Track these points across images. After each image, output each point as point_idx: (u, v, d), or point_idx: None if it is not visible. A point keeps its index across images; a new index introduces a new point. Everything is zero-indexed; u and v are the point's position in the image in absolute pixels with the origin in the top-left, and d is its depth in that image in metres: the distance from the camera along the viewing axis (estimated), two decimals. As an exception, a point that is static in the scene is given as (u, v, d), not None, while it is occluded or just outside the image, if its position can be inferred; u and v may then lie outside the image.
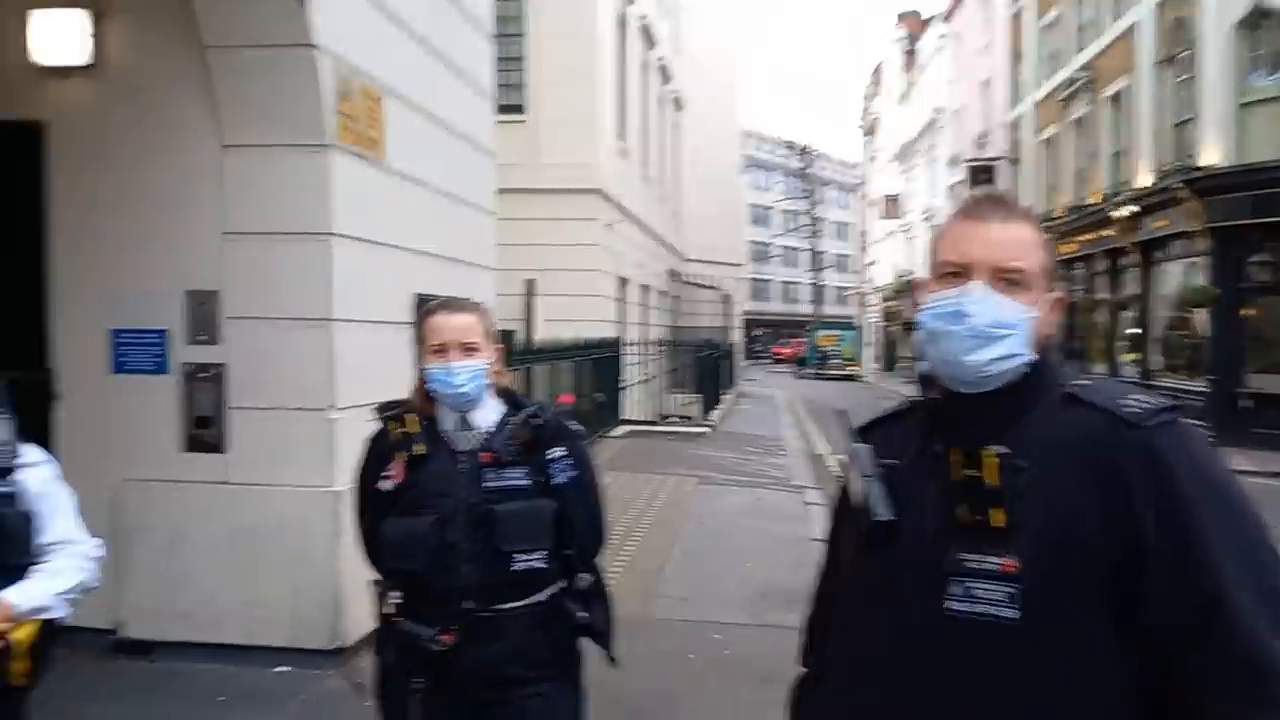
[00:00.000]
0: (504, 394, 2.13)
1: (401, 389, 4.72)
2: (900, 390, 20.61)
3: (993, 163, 24.13)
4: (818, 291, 53.17)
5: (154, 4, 3.92)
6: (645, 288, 18.13)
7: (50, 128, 4.02)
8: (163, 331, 4.03)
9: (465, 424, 2.03)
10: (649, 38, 16.79)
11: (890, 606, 1.15)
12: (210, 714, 3.58)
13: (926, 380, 1.22)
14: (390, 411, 2.07)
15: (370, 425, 2.14)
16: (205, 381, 4.05)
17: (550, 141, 12.64)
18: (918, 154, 35.91)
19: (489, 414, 2.05)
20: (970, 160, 25.31)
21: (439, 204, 5.24)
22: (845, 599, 1.28)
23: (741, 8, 30.31)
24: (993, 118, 25.12)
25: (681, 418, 15.31)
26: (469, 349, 1.98)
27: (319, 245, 4.01)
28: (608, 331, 13.49)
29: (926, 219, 32.21)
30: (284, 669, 3.91)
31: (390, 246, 4.57)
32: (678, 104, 21.55)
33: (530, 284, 12.53)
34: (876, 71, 47.23)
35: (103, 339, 4.04)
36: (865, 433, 1.30)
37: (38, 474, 1.94)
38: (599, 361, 12.27)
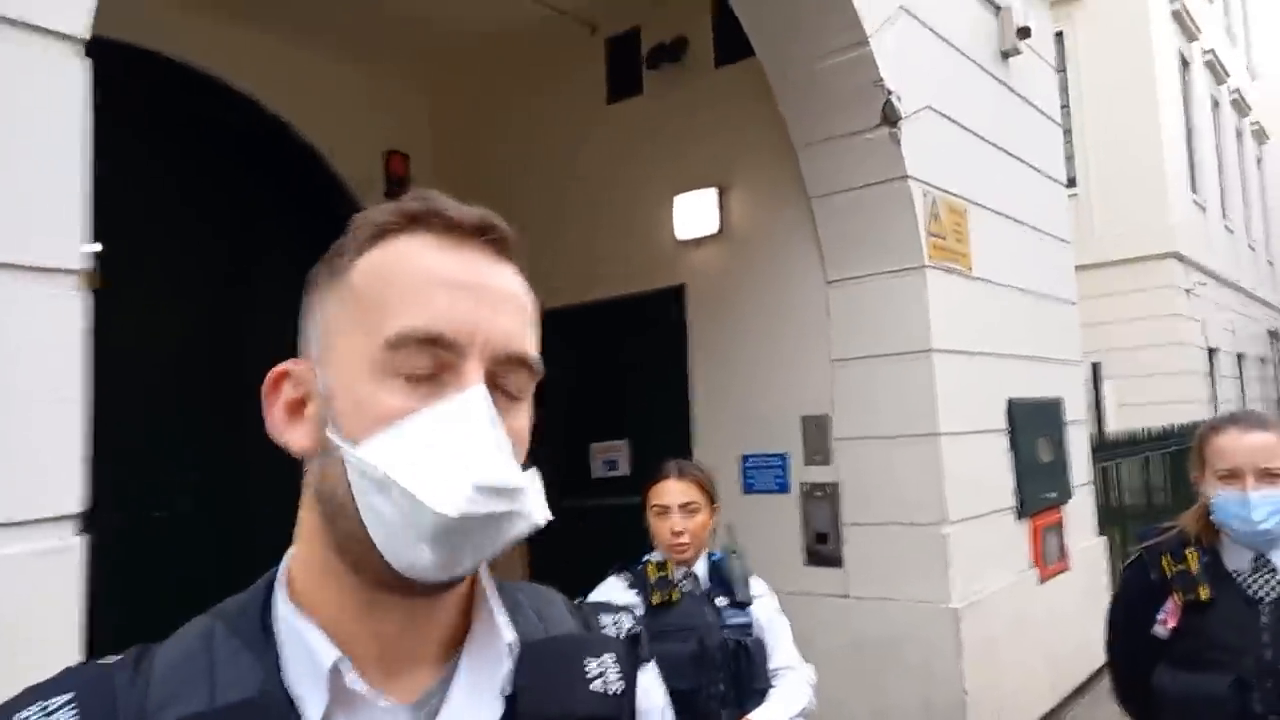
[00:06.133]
0: None
1: (1003, 499, 4.59)
2: None
3: None
4: None
5: (764, 174, 4.54)
6: (1239, 356, 15.28)
7: (687, 288, 4.84)
8: (784, 455, 4.48)
9: (1263, 565, 1.73)
10: (1217, 71, 14.61)
11: None
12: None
13: None
14: (1157, 542, 1.83)
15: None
16: (821, 500, 4.37)
17: (1108, 210, 11.59)
18: None
19: None
20: None
21: (1023, 303, 5.07)
22: None
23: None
24: None
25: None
26: (1270, 475, 1.69)
27: (920, 362, 4.12)
28: (1199, 413, 11.58)
29: None
30: (920, 790, 3.90)
31: (982, 355, 4.52)
32: (1260, 136, 18.23)
33: (1095, 368, 11.40)
34: None
35: (735, 462, 4.62)
36: None
37: (765, 605, 2.23)
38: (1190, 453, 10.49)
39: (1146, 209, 11.53)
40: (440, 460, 0.57)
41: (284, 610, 0.63)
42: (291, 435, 0.65)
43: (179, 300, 4.45)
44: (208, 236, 4.59)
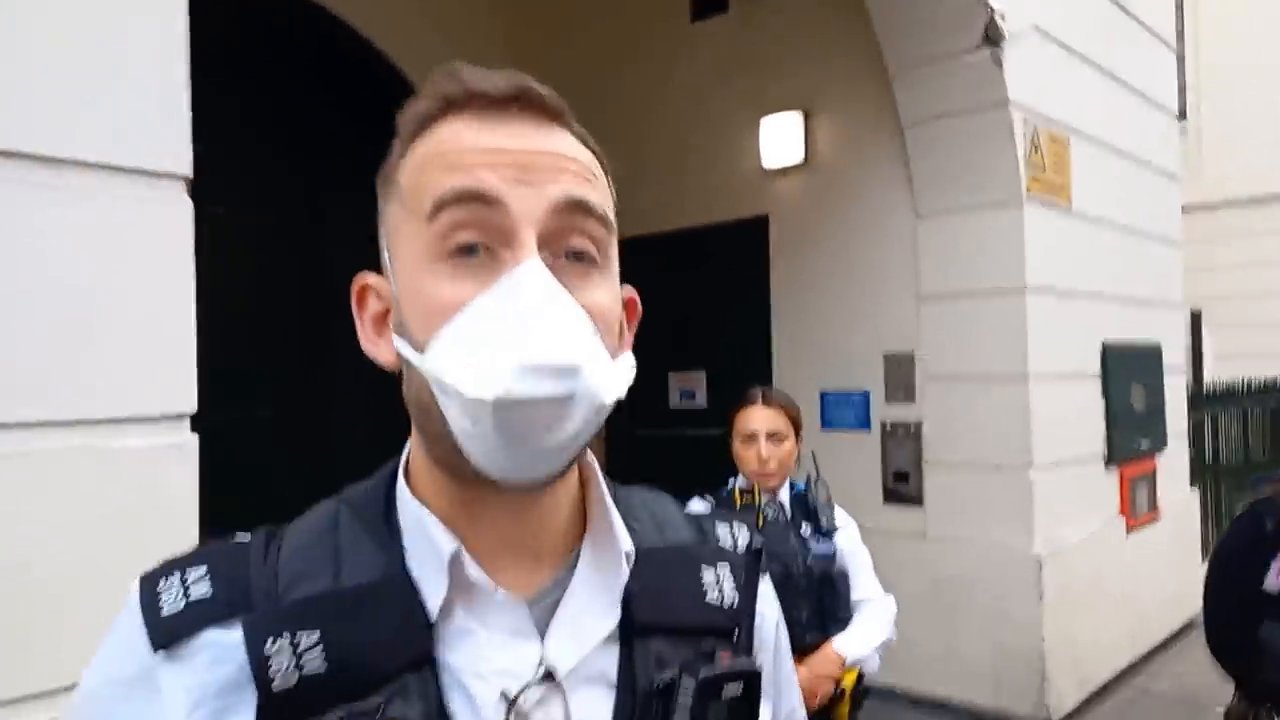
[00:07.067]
0: None
1: (1093, 446, 4.43)
2: None
3: None
4: None
5: (853, 100, 4.36)
6: (1355, 308, 14.34)
7: (771, 218, 4.72)
8: (866, 393, 4.38)
9: None
10: (1351, -3, 13.43)
11: None
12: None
13: None
14: (1276, 494, 1.76)
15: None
16: (903, 439, 4.28)
17: (1218, 148, 10.87)
18: None
19: None
20: None
21: (1123, 242, 4.80)
22: None
23: None
24: None
25: None
26: None
27: (1012, 300, 3.96)
28: (1309, 366, 10.94)
29: None
30: (989, 731, 3.86)
31: (1078, 294, 4.32)
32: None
33: (1195, 315, 10.85)
34: None
35: (814, 397, 4.54)
36: None
37: (848, 534, 2.19)
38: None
39: (1263, 147, 10.76)
40: (489, 345, 0.54)
41: (407, 501, 0.64)
42: (379, 350, 0.64)
43: (265, 215, 4.52)
44: (290, 147, 4.62)
